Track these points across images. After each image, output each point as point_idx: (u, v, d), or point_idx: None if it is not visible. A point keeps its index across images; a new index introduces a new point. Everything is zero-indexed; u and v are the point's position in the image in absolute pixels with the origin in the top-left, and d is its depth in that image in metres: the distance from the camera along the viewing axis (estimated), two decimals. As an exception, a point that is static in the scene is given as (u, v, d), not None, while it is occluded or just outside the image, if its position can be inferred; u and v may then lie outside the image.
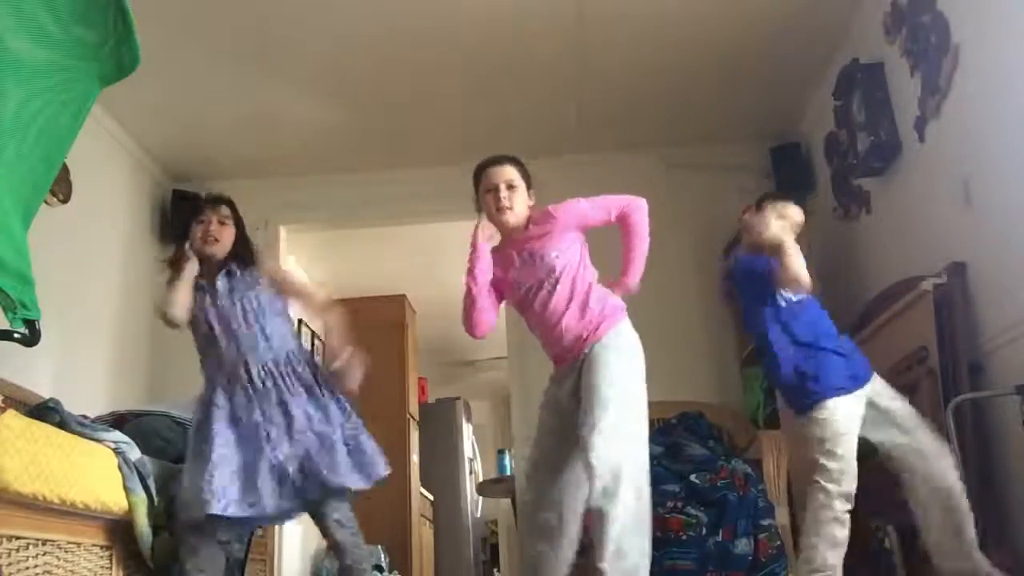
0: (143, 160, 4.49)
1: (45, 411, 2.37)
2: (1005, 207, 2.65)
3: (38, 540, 2.08)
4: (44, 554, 2.10)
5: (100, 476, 2.29)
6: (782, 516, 3.21)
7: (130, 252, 4.38)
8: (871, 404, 2.51)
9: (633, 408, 2.33)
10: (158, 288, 2.62)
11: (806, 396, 2.50)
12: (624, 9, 3.52)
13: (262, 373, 2.51)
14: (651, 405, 4.10)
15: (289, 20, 3.49)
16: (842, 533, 2.40)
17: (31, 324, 1.86)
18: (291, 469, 2.44)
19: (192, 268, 2.57)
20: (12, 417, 1.98)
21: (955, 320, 2.86)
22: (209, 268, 2.60)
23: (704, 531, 3.27)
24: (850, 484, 2.41)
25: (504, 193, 2.48)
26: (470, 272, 2.50)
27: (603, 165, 4.69)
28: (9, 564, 1.95)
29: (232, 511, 2.35)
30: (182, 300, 2.53)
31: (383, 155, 4.65)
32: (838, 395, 2.46)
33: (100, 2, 1.85)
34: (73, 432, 2.30)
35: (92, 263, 4.02)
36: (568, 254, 2.45)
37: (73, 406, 2.61)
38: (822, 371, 2.49)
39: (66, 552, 2.19)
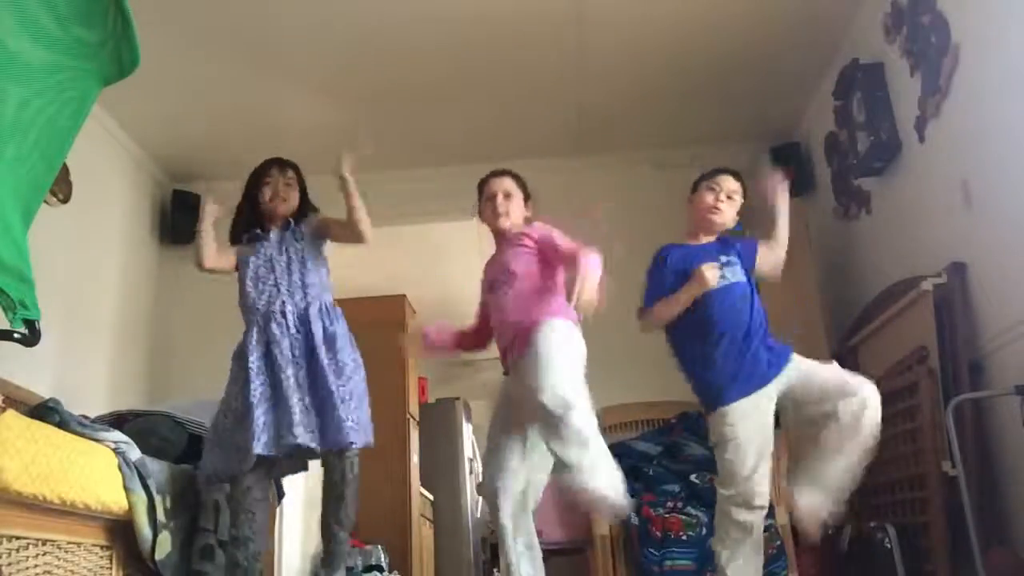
0: (143, 160, 4.49)
1: (45, 411, 2.36)
2: (1005, 207, 2.65)
3: (38, 540, 2.08)
4: (44, 554, 2.10)
5: (100, 476, 2.29)
6: (782, 516, 3.20)
7: (130, 252, 4.38)
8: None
9: (575, 373, 2.49)
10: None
11: None
12: (624, 10, 3.53)
13: (295, 320, 2.68)
14: (651, 405, 4.16)
15: (289, 21, 3.49)
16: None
17: (31, 324, 1.86)
18: (312, 415, 2.55)
19: (211, 213, 2.82)
20: (12, 417, 1.98)
21: (955, 320, 2.86)
22: (271, 221, 2.83)
23: (704, 531, 3.27)
24: None
25: (501, 201, 2.76)
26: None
27: (603, 166, 4.70)
28: (9, 564, 1.95)
29: (265, 450, 2.48)
30: (207, 249, 2.79)
31: (383, 155, 4.64)
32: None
33: (100, 2, 1.85)
34: (73, 432, 2.30)
35: (92, 263, 4.02)
36: (526, 261, 2.67)
37: (73, 406, 2.61)
38: None
39: (66, 552, 2.19)
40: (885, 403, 3.09)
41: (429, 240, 5.57)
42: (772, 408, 2.48)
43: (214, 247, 2.82)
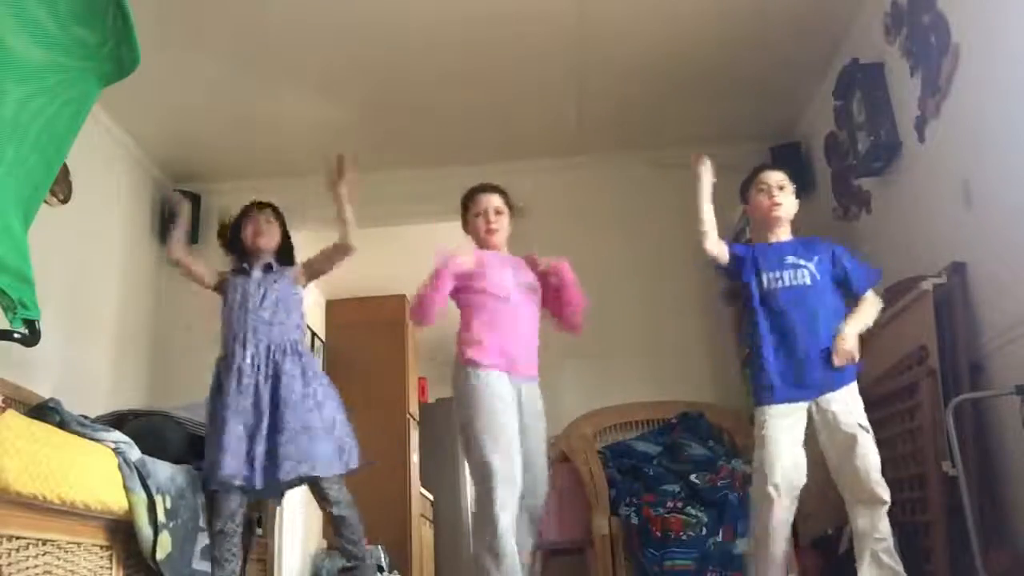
0: (143, 160, 4.49)
1: (45, 411, 2.37)
2: (1005, 207, 2.65)
3: (38, 540, 2.08)
4: (44, 554, 2.10)
5: (100, 476, 2.29)
6: (782, 516, 3.20)
7: (130, 252, 4.38)
8: None
9: None
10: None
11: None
12: (624, 10, 3.52)
13: (268, 352, 2.91)
14: (651, 405, 4.16)
15: (289, 20, 3.49)
16: None
17: (31, 324, 1.86)
18: (280, 449, 2.76)
19: (184, 211, 3.25)
20: (12, 417, 1.98)
21: (955, 320, 2.85)
22: (255, 258, 3.10)
23: (704, 531, 3.27)
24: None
25: (492, 217, 2.83)
26: (436, 288, 2.69)
27: (603, 166, 4.70)
28: (9, 564, 1.95)
29: (236, 480, 2.74)
30: (178, 243, 3.19)
31: (383, 155, 4.65)
32: None
33: (100, 2, 1.85)
34: (73, 432, 2.31)
35: (92, 263, 4.02)
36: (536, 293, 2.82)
37: (73, 406, 2.62)
38: None
39: (66, 552, 2.19)
40: (885, 403, 3.10)
41: (429, 240, 5.56)
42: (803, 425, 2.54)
43: (184, 245, 3.23)
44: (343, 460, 2.88)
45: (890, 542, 2.44)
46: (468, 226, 2.90)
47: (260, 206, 3.19)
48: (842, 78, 3.63)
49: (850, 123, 3.64)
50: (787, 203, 2.75)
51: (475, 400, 2.54)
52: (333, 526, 2.93)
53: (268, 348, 2.91)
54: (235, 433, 2.77)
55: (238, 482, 2.76)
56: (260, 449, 2.77)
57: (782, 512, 2.49)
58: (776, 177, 2.77)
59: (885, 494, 2.46)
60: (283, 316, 3.00)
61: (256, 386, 2.85)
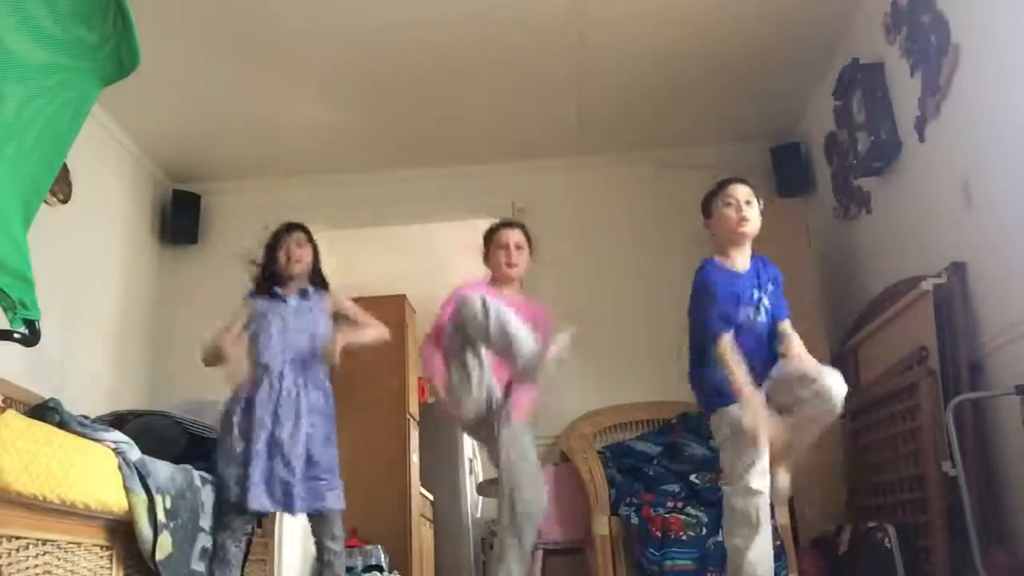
0: (143, 160, 4.49)
1: (45, 411, 2.36)
2: (1005, 207, 2.65)
3: (38, 540, 2.08)
4: (44, 554, 2.10)
5: (100, 476, 2.29)
6: (782, 516, 3.20)
7: (130, 252, 4.38)
8: None
9: None
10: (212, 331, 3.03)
11: None
12: (624, 10, 3.52)
13: (296, 382, 2.89)
14: (651, 405, 4.16)
15: (290, 21, 3.49)
16: None
17: (31, 324, 1.86)
18: (293, 480, 2.78)
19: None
20: (12, 417, 1.98)
21: (955, 320, 2.86)
22: (289, 283, 3.04)
23: (704, 531, 3.27)
24: None
25: (514, 252, 2.91)
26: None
27: (603, 166, 4.70)
28: (9, 564, 1.95)
29: (256, 505, 2.75)
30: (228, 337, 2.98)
31: (383, 155, 4.65)
32: None
33: (100, 2, 1.85)
34: (73, 432, 2.30)
35: (92, 263, 4.02)
36: None
37: (73, 406, 2.61)
38: None
39: (66, 552, 2.19)
40: (885, 403, 3.10)
41: (429, 240, 5.57)
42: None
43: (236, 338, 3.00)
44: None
45: None
46: (489, 259, 2.98)
47: (289, 228, 3.13)
48: (842, 78, 3.63)
49: (850, 123, 3.64)
50: (754, 219, 2.60)
51: None
52: (323, 561, 2.91)
53: (298, 379, 2.90)
54: (261, 462, 2.78)
55: (258, 508, 2.78)
56: (280, 478, 2.79)
57: (765, 507, 2.39)
58: (743, 191, 2.62)
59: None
60: (316, 345, 2.98)
61: (279, 413, 2.84)
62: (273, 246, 3.09)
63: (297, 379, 2.89)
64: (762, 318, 2.54)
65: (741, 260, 2.59)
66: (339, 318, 3.10)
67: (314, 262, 3.12)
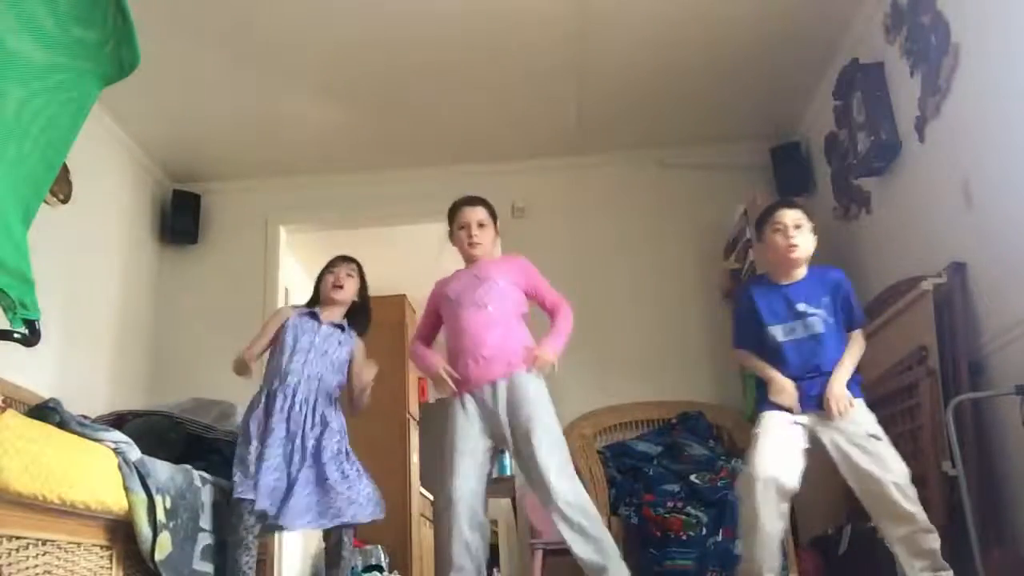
0: (143, 160, 4.49)
1: (45, 411, 2.36)
2: (1005, 207, 2.65)
3: (38, 540, 2.08)
4: (44, 554, 2.10)
5: (100, 476, 2.29)
6: (782, 516, 3.20)
7: (130, 252, 4.38)
8: None
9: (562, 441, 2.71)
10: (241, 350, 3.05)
11: None
12: (624, 10, 3.53)
13: (316, 400, 2.94)
14: (651, 405, 4.16)
15: (290, 20, 3.49)
16: None
17: (31, 324, 1.86)
18: (307, 491, 2.82)
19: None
20: (12, 417, 1.98)
21: (955, 320, 2.86)
22: (328, 308, 3.12)
23: (704, 531, 3.27)
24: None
25: (475, 231, 2.90)
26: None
27: (603, 166, 4.70)
28: (9, 564, 1.95)
29: (272, 511, 2.75)
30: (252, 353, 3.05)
31: (383, 155, 4.65)
32: None
33: (100, 2, 1.85)
34: (73, 432, 2.30)
35: (92, 263, 4.02)
36: (512, 289, 2.85)
37: (73, 406, 2.62)
38: None
39: (66, 552, 2.19)
40: (885, 403, 3.10)
41: (429, 240, 5.57)
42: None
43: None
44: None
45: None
46: (453, 238, 2.99)
47: (344, 259, 3.21)
48: (842, 78, 3.63)
49: (850, 123, 3.64)
50: (804, 243, 2.60)
51: None
52: (330, 558, 2.97)
53: (318, 398, 2.95)
54: (272, 470, 2.80)
55: (264, 509, 2.79)
56: (301, 490, 2.81)
57: (767, 504, 2.39)
58: (792, 216, 2.61)
59: (911, 506, 2.34)
60: (338, 376, 3.05)
61: (302, 431, 2.87)
62: (326, 269, 3.19)
63: (309, 397, 2.94)
64: (819, 330, 2.55)
65: (787, 278, 2.64)
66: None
67: (360, 298, 3.19)
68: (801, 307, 2.57)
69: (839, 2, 3.52)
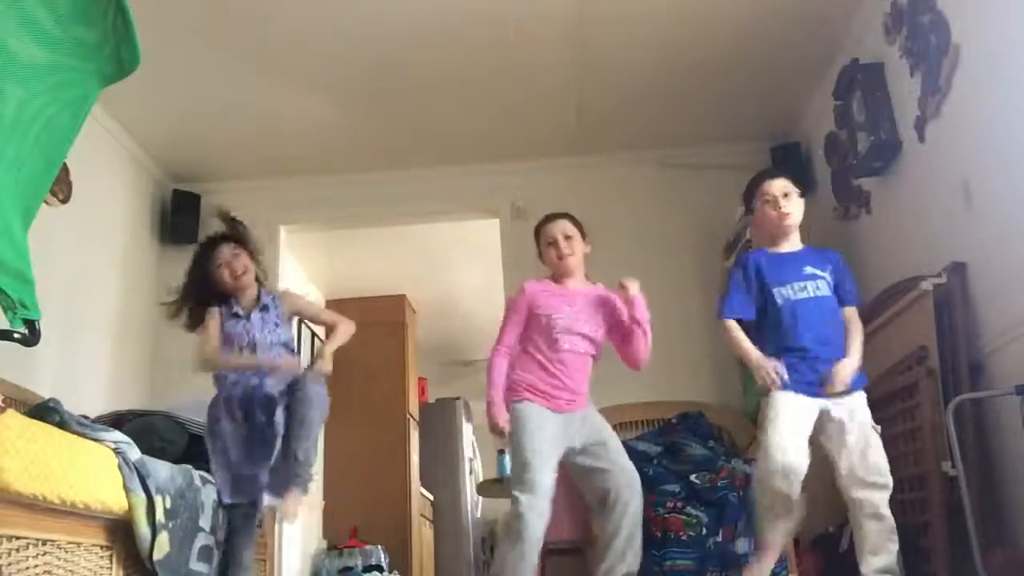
0: (143, 160, 4.49)
1: (45, 411, 2.37)
2: (1005, 207, 2.65)
3: (38, 540, 2.08)
4: (44, 554, 2.10)
5: (100, 476, 2.29)
6: (782, 516, 3.20)
7: (130, 252, 4.38)
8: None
9: None
10: (195, 344, 2.91)
11: None
12: (624, 9, 3.53)
13: (267, 388, 2.79)
14: (651, 405, 4.16)
15: (290, 20, 3.49)
16: None
17: (31, 324, 1.86)
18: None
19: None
20: (12, 417, 1.98)
21: (955, 320, 2.85)
22: (243, 299, 2.90)
23: (704, 531, 3.26)
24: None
25: (563, 243, 2.91)
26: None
27: (603, 166, 4.70)
28: (9, 564, 1.95)
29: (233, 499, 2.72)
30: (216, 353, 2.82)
31: (383, 155, 4.65)
32: None
33: (100, 2, 1.85)
34: (73, 432, 2.30)
35: (92, 263, 4.02)
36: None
37: (73, 406, 2.62)
38: None
39: (66, 552, 2.19)
40: (885, 403, 3.10)
41: (429, 240, 5.57)
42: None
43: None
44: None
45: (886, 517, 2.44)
46: (543, 257, 2.98)
47: (214, 242, 2.94)
48: (842, 78, 3.63)
49: (850, 123, 3.64)
50: (795, 211, 2.66)
51: None
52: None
53: (273, 384, 2.80)
54: (240, 461, 2.74)
55: (241, 500, 2.77)
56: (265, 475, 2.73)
57: (785, 480, 2.42)
58: (779, 185, 2.67)
59: (885, 480, 2.48)
60: (287, 353, 2.90)
61: (256, 416, 2.75)
62: (205, 266, 2.90)
63: (277, 386, 2.78)
64: (827, 292, 2.60)
65: (788, 246, 2.69)
66: (296, 314, 3.08)
67: (256, 264, 2.95)
68: (809, 270, 2.63)
69: (839, 2, 3.52)
